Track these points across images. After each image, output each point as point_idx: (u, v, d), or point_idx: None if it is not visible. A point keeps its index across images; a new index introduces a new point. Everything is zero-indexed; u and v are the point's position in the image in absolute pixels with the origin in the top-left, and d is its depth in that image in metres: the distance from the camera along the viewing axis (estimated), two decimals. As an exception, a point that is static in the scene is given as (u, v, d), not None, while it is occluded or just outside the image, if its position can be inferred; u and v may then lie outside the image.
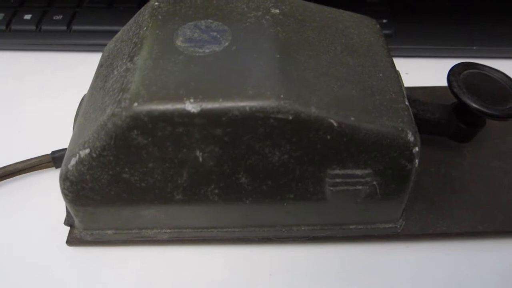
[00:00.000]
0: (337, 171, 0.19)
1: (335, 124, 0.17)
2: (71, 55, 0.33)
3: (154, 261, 0.22)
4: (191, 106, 0.17)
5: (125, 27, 0.23)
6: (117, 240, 0.22)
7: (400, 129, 0.18)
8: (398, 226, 0.21)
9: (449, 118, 0.23)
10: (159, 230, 0.21)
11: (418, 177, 0.24)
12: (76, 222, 0.21)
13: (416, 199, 0.23)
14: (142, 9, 0.23)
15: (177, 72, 0.18)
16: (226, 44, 0.19)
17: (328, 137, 0.18)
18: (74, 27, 0.33)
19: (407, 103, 0.19)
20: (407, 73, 0.31)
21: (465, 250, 0.22)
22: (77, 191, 0.19)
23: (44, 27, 0.33)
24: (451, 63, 0.24)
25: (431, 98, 0.27)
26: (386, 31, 0.32)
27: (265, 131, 0.17)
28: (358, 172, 0.19)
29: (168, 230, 0.21)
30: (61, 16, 0.33)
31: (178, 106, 0.17)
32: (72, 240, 0.22)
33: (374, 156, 0.18)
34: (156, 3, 0.22)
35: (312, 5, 0.23)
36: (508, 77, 0.23)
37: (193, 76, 0.18)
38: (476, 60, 0.32)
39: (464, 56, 0.31)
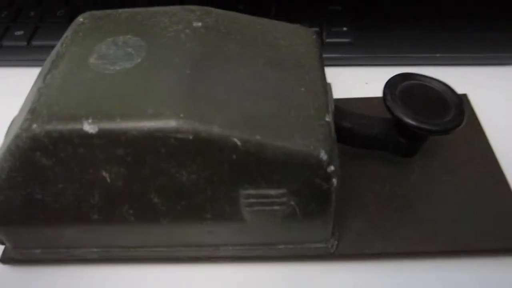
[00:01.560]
0: (251, 191, 0.18)
1: (238, 143, 0.17)
2: (31, 71, 0.33)
3: (89, 280, 0.21)
4: (89, 127, 0.17)
5: (58, 43, 0.23)
6: (46, 258, 0.21)
7: (311, 147, 0.17)
8: (330, 246, 0.20)
9: (388, 133, 0.22)
10: (87, 249, 0.21)
11: (360, 195, 0.23)
12: (5, 241, 0.21)
13: (355, 218, 0.22)
14: (70, 26, 0.22)
15: (83, 91, 0.18)
16: (139, 60, 0.19)
17: (234, 156, 0.17)
18: (34, 43, 0.33)
19: (327, 119, 0.18)
20: (367, 83, 0.30)
21: (404, 271, 0.21)
22: (-6, 212, 0.19)
23: (5, 43, 0.33)
24: (414, 71, 0.22)
25: (382, 109, 0.26)
26: (346, 39, 0.31)
27: (167, 151, 0.17)
28: (272, 192, 0.18)
29: (95, 250, 0.21)
30: (22, 32, 0.33)
31: (76, 126, 0.17)
32: (5, 259, 0.22)
33: (286, 176, 0.17)
34: (81, 19, 0.22)
35: (243, 16, 0.22)
36: (449, 87, 0.21)
37: (96, 95, 0.18)
38: (440, 68, 0.31)
39: (427, 64, 0.30)
